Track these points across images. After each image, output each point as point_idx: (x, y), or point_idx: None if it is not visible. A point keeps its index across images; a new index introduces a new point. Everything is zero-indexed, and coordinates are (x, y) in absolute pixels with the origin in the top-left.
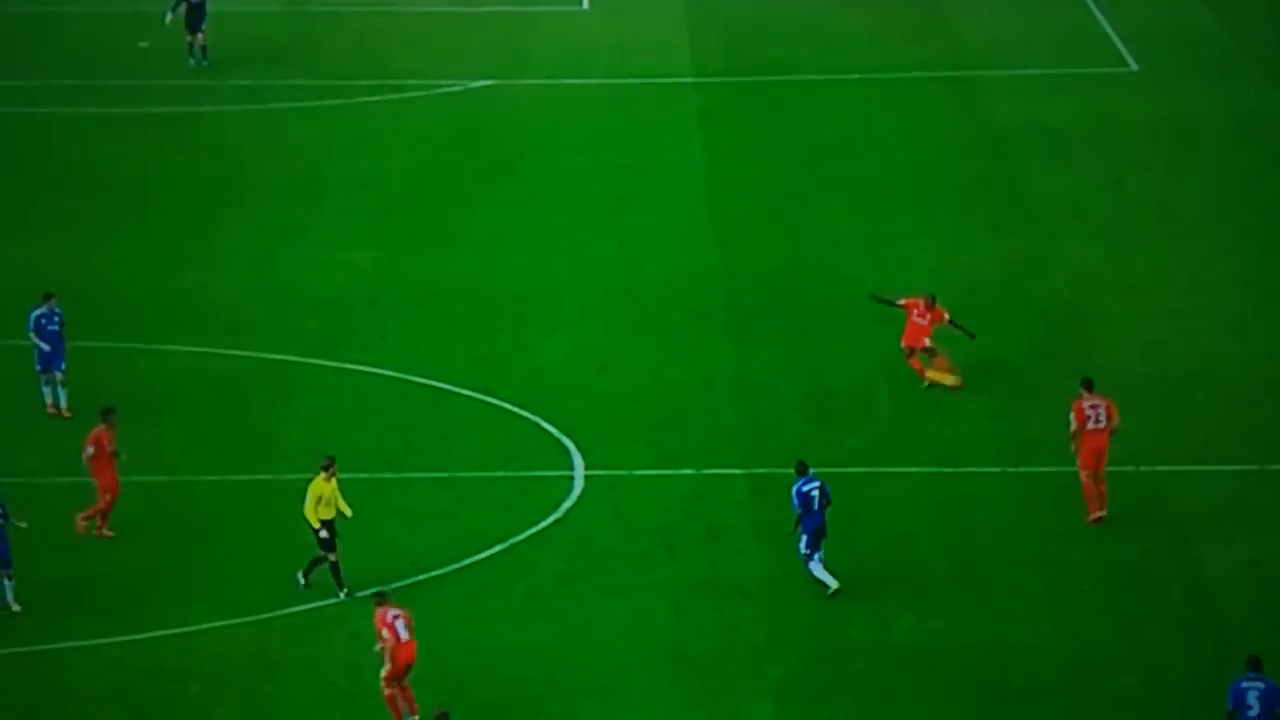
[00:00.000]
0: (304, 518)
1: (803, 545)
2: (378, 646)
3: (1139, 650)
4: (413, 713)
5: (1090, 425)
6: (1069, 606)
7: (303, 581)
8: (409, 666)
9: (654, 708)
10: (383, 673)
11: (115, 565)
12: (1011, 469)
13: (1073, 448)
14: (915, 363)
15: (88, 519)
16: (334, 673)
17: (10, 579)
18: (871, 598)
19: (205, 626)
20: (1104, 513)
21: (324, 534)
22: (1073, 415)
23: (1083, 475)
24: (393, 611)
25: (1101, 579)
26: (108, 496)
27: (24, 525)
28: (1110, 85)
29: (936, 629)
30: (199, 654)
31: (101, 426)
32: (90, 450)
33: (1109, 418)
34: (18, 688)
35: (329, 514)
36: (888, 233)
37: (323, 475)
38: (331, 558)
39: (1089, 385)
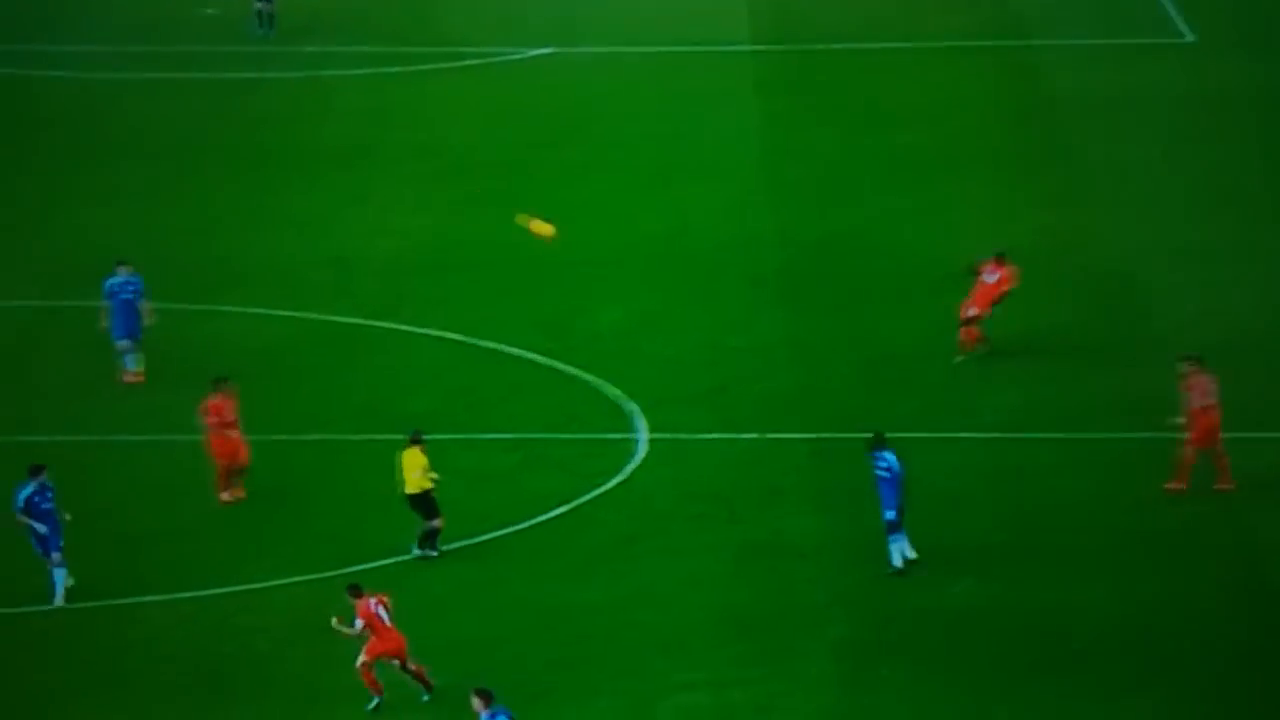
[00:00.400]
0: (414, 492)
1: (894, 514)
2: (350, 631)
3: (1191, 615)
4: (428, 690)
5: (1205, 402)
6: (1123, 571)
7: (434, 552)
8: (401, 650)
9: (713, 667)
10: (363, 658)
11: (185, 522)
12: (1066, 435)
13: (1183, 422)
14: (969, 332)
15: (225, 489)
16: (398, 629)
17: (63, 565)
18: (929, 561)
19: (273, 583)
20: (1231, 485)
21: (433, 494)
22: (1191, 393)
23: (1189, 450)
24: (373, 600)
25: (1155, 545)
26: (223, 462)
27: (68, 518)
28: (1165, 55)
29: (992, 593)
30: (267, 610)
31: (216, 396)
32: (205, 418)
33: (1214, 393)
34: (90, 642)
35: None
36: (940, 201)
37: (418, 447)
38: (438, 524)
39: (1199, 361)
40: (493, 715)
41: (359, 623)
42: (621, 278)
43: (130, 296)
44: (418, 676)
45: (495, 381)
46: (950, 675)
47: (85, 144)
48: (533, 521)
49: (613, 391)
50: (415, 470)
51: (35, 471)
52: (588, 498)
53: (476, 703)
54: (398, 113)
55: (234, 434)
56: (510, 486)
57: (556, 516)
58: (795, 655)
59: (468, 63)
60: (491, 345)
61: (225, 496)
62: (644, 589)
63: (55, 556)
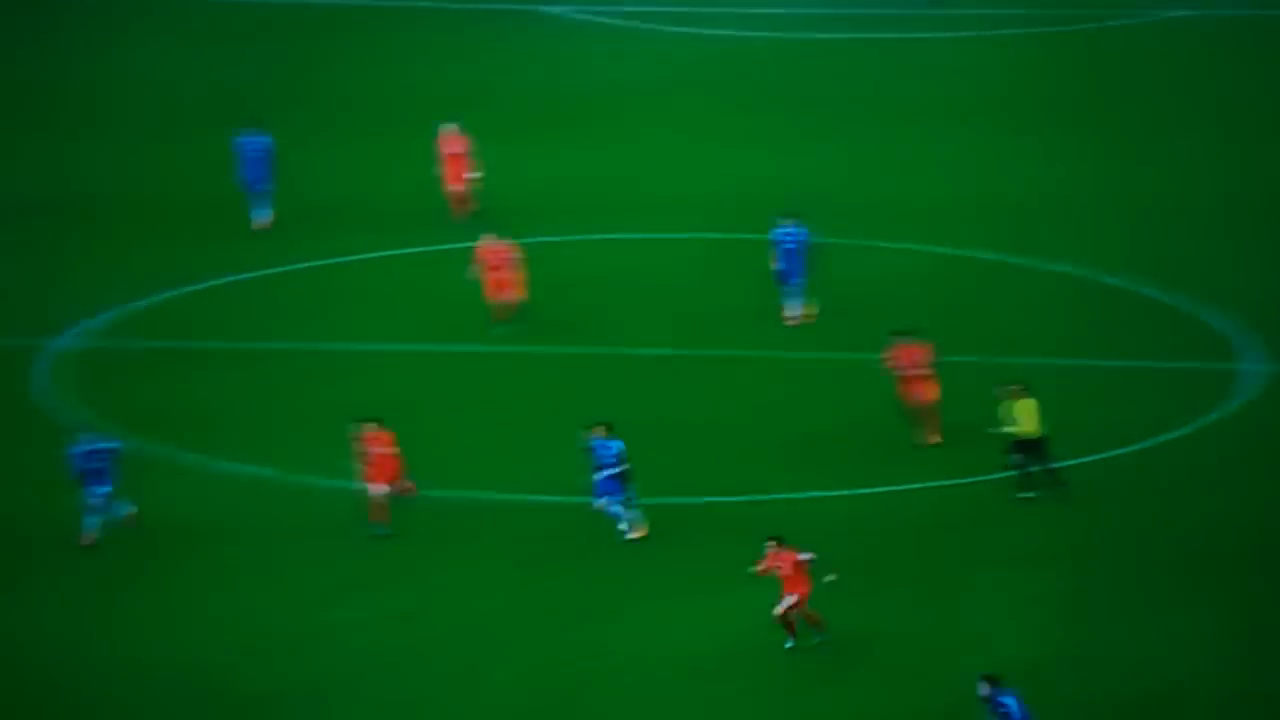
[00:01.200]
0: (1026, 436)
1: None
2: (759, 568)
3: None
4: (820, 630)
5: None
6: None
7: (1031, 493)
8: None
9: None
10: (788, 604)
11: (841, 429)
12: None
13: None
14: None
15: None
16: (1011, 530)
17: (628, 507)
18: None
19: (916, 486)
20: None
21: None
22: None
23: None
24: (801, 555)
25: None
26: (910, 403)
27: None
28: None
29: None
30: (912, 508)
31: (896, 346)
32: (888, 363)
33: None
34: (761, 529)
35: None
36: None
37: (1026, 396)
38: (1035, 468)
39: None
40: (1001, 699)
41: (780, 570)
42: (1232, 217)
43: (794, 246)
44: (813, 622)
45: (1118, 313)
46: None
47: (751, 96)
48: (1144, 445)
49: (1221, 325)
50: (1028, 417)
51: (600, 428)
52: (1202, 423)
53: (984, 687)
54: (1048, 70)
55: (913, 378)
56: (1113, 413)
57: (1171, 440)
58: None
59: (1108, 24)
60: (1115, 281)
61: (927, 438)
62: (1253, 510)
63: (600, 502)
